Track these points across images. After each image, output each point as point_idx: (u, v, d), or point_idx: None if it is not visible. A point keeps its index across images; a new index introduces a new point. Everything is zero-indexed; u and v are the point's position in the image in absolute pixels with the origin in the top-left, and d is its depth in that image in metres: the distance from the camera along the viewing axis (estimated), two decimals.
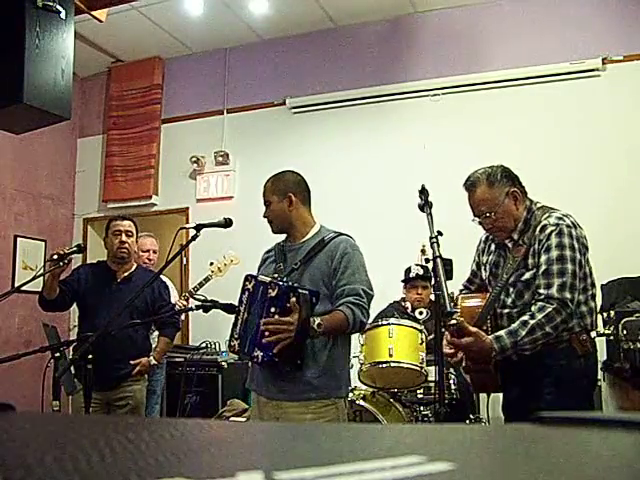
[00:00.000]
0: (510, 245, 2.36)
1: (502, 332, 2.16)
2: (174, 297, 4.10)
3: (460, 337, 2.12)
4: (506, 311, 2.32)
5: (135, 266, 3.44)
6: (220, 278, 4.21)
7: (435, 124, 4.82)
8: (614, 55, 4.40)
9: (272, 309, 2.18)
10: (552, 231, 2.21)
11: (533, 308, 2.17)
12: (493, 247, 2.48)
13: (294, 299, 2.15)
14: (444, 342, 2.29)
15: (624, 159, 4.30)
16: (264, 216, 2.51)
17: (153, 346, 3.43)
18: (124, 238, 3.30)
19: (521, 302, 2.28)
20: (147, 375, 3.43)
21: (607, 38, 4.44)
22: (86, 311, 3.28)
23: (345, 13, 5.06)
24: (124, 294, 3.15)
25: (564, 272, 2.16)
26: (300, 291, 2.19)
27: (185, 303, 4.07)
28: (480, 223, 2.38)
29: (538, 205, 2.37)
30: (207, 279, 4.17)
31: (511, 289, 2.32)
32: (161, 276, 4.20)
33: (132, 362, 3.21)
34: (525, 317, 2.16)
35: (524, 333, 2.12)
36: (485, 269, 2.50)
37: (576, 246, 2.20)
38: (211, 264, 4.22)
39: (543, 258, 2.21)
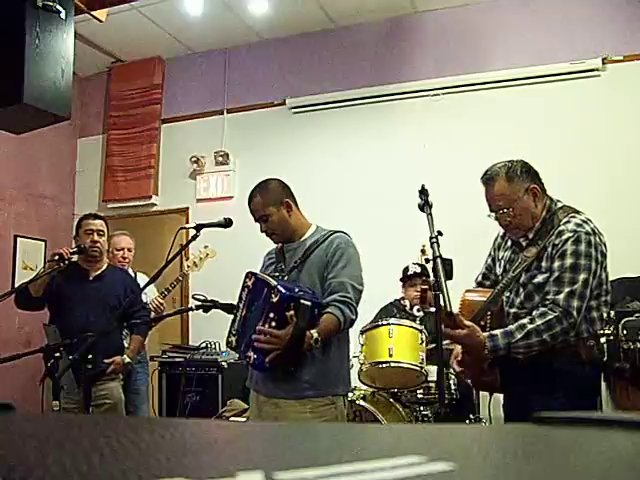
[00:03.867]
0: (524, 244, 2.29)
1: (498, 331, 2.12)
2: (153, 294, 4.10)
3: (455, 329, 2.09)
4: (513, 310, 2.27)
5: (106, 264, 3.46)
6: (220, 278, 4.21)
7: (435, 124, 4.82)
8: (614, 55, 4.39)
9: (271, 314, 2.18)
10: (569, 238, 2.13)
11: (535, 313, 2.12)
12: (510, 243, 2.41)
13: (291, 312, 2.14)
14: (452, 358, 2.29)
15: (624, 159, 4.29)
16: (262, 231, 2.48)
17: (126, 345, 3.43)
18: (96, 237, 3.32)
19: (530, 304, 2.22)
20: (126, 375, 3.45)
21: (607, 38, 4.44)
22: (60, 310, 3.27)
23: (345, 13, 5.06)
24: (97, 292, 3.22)
25: (575, 281, 2.10)
26: (302, 302, 2.16)
27: (162, 301, 4.05)
28: (496, 219, 2.30)
29: (559, 205, 2.29)
30: (183, 275, 4.17)
31: (521, 289, 2.27)
32: (139, 273, 4.20)
33: (106, 361, 3.20)
34: (524, 320, 2.11)
35: (519, 336, 2.08)
36: (500, 265, 2.43)
37: (593, 254, 2.13)
38: (187, 259, 4.20)
39: (557, 264, 2.14)
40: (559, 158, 4.44)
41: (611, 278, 3.45)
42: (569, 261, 2.11)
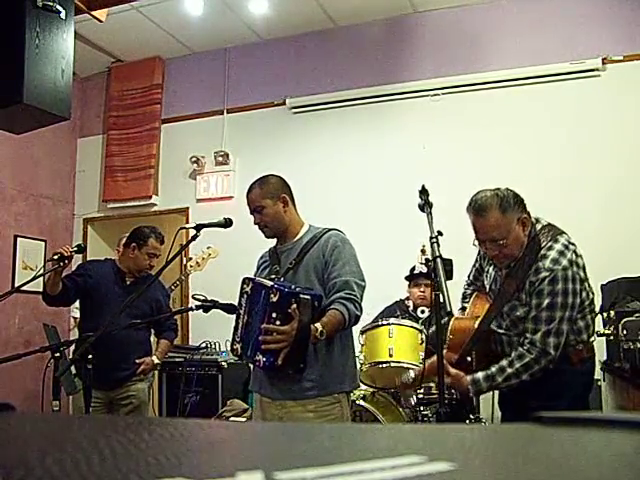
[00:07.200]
0: (504, 273, 2.33)
1: (480, 375, 2.22)
2: None
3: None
4: (502, 331, 2.37)
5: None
6: (220, 278, 4.21)
7: (435, 124, 4.82)
8: (614, 55, 4.39)
9: (274, 314, 2.18)
10: (545, 277, 2.16)
11: (513, 354, 2.22)
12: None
13: (294, 306, 2.15)
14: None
15: (624, 159, 4.29)
16: (256, 223, 2.49)
17: (154, 348, 3.48)
18: (154, 262, 3.39)
19: (515, 330, 2.32)
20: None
21: (607, 38, 4.44)
22: (92, 308, 3.30)
23: (345, 13, 5.06)
24: (130, 296, 3.20)
25: (552, 319, 2.16)
26: (302, 296, 2.18)
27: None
28: (485, 248, 2.29)
29: (539, 225, 2.28)
30: (186, 275, 4.18)
31: (505, 316, 2.35)
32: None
33: (138, 361, 3.28)
34: (504, 363, 2.21)
35: (500, 380, 2.20)
36: (486, 277, 2.49)
37: (570, 289, 2.15)
38: (190, 259, 4.21)
39: (534, 302, 2.20)
40: (559, 158, 4.44)
41: (611, 278, 3.47)
42: (546, 301, 2.16)
